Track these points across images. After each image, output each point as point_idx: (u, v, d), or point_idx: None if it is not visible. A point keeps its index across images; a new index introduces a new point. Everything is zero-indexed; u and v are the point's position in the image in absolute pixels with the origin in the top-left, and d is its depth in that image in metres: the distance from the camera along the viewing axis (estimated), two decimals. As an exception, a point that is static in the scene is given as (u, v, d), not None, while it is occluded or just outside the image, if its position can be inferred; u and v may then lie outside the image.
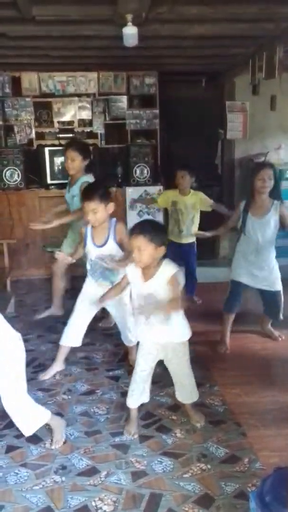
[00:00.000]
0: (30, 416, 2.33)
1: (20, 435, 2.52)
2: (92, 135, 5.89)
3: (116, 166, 5.85)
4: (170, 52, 4.70)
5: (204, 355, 3.46)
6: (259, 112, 5.48)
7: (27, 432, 2.35)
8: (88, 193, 2.84)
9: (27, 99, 5.59)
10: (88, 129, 5.87)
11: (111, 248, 2.90)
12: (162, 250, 2.29)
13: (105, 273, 2.96)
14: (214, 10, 3.30)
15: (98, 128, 5.82)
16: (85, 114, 5.79)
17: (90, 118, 5.80)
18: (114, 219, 2.93)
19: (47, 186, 5.49)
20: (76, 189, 3.71)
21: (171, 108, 6.09)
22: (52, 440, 2.46)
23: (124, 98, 5.75)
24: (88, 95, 5.74)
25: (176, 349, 2.51)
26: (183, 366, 2.56)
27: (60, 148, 5.74)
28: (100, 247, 2.90)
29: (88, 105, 5.76)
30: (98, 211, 2.79)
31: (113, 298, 2.74)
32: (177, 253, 4.40)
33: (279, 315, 3.54)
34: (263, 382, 3.04)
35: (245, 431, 2.54)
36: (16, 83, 5.57)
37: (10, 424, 2.60)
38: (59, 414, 2.73)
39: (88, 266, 3.04)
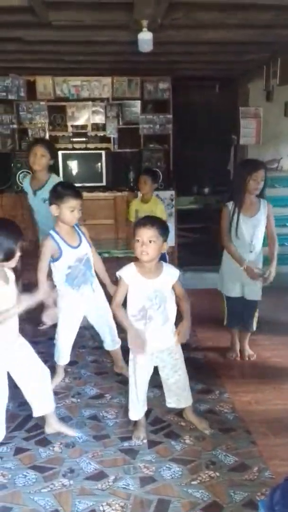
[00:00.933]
0: (47, 397, 2.47)
1: (29, 438, 2.54)
2: (105, 139, 5.92)
3: (128, 170, 5.87)
4: (184, 58, 4.72)
5: (214, 361, 3.45)
6: (272, 118, 5.47)
7: (39, 412, 2.49)
8: (75, 190, 2.80)
9: (42, 103, 5.65)
10: (101, 133, 5.91)
11: (86, 247, 2.88)
12: (165, 246, 2.35)
13: (86, 275, 2.89)
14: (228, 16, 3.31)
15: (111, 132, 5.85)
16: (99, 119, 5.83)
17: (103, 122, 5.83)
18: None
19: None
20: (47, 193, 3.42)
21: (184, 113, 6.10)
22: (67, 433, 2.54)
23: (138, 103, 5.78)
24: (102, 99, 5.78)
25: (172, 351, 2.50)
26: (179, 367, 2.55)
27: (74, 152, 5.81)
28: (76, 248, 2.83)
29: (101, 110, 5.80)
30: (80, 208, 2.77)
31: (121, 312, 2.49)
32: None
33: (252, 323, 3.42)
34: (274, 390, 3.02)
35: (255, 439, 2.52)
36: (31, 87, 5.64)
37: (19, 427, 2.62)
38: (68, 417, 2.75)
39: (63, 276, 2.84)
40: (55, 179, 3.61)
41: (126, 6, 3.11)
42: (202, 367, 3.35)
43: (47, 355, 3.44)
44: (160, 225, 2.31)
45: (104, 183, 5.65)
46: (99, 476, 2.26)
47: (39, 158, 3.62)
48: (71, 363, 3.37)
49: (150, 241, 2.26)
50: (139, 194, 4.56)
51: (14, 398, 2.79)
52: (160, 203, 4.34)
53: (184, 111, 6.08)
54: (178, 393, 2.59)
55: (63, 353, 3.06)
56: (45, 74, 5.55)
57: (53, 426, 2.55)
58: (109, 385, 3.13)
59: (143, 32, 3.36)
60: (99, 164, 5.66)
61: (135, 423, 2.61)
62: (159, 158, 5.69)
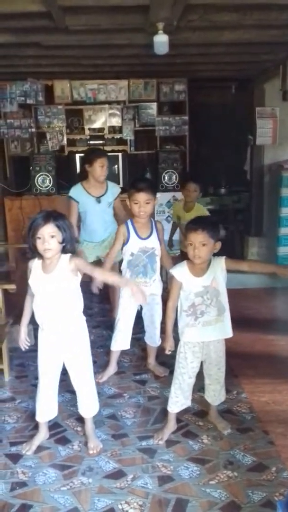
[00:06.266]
0: (95, 399, 2.53)
1: (48, 436, 2.56)
2: (122, 141, 5.94)
3: (145, 172, 5.88)
4: (200, 59, 4.71)
5: (232, 361, 3.41)
6: (289, 118, 5.42)
7: (91, 413, 2.52)
8: (144, 184, 2.94)
9: (59, 106, 5.70)
10: (118, 136, 5.94)
11: (155, 241, 3.02)
12: (218, 245, 2.36)
13: (147, 268, 3.01)
14: (245, 16, 3.29)
15: (128, 134, 5.87)
16: (115, 121, 5.85)
17: (120, 125, 5.86)
18: (151, 218, 3.05)
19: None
20: (111, 196, 3.81)
21: (200, 114, 6.09)
22: (88, 446, 2.46)
23: (154, 105, 5.78)
24: (118, 102, 5.81)
25: (217, 347, 2.50)
26: (222, 364, 2.55)
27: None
28: (144, 240, 3.00)
29: (118, 112, 5.83)
30: (150, 203, 2.91)
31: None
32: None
33: None
34: (292, 391, 2.99)
35: (273, 439, 2.50)
36: (49, 91, 5.69)
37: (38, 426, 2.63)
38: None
39: (126, 262, 3.05)
40: (114, 185, 3.89)
41: (142, 9, 3.13)
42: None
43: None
44: (210, 227, 2.33)
45: (121, 185, 5.67)
46: (117, 474, 2.27)
47: (105, 169, 3.74)
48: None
49: (202, 245, 2.29)
50: (180, 198, 4.40)
51: (34, 397, 2.82)
52: (203, 210, 4.14)
53: (200, 112, 6.07)
54: (211, 389, 2.60)
55: (118, 337, 3.17)
56: (63, 78, 5.59)
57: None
58: (127, 384, 3.14)
59: (159, 35, 3.37)
60: (116, 166, 5.68)
61: (165, 421, 2.59)
62: (176, 159, 5.67)
